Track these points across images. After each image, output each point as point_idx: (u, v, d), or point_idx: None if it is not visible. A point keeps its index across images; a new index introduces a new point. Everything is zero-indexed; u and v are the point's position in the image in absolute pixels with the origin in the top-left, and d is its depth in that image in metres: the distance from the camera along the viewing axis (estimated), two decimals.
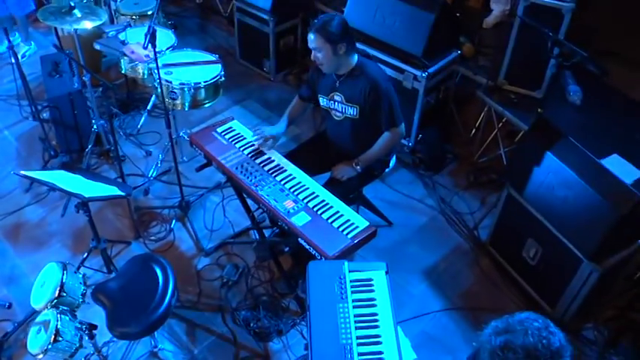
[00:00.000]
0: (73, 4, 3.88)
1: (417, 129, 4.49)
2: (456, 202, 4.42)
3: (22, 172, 3.51)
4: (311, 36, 3.33)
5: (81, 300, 3.21)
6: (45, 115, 4.63)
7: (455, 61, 4.49)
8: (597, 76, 3.84)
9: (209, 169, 3.81)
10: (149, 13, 4.93)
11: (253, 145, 3.57)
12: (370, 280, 2.79)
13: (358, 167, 3.54)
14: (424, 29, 4.09)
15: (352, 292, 2.70)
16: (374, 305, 2.69)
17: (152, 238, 4.14)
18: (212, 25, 6.37)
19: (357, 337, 2.54)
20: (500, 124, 4.46)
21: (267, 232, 3.94)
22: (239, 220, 4.24)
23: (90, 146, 4.52)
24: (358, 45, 3.55)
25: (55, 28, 4.94)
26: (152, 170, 4.52)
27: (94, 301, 3.12)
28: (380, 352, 2.52)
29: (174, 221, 4.21)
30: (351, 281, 2.74)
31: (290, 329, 3.59)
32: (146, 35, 3.26)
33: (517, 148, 3.80)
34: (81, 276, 3.26)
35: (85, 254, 3.84)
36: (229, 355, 3.48)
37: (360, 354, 2.48)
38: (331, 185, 3.44)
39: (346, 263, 2.81)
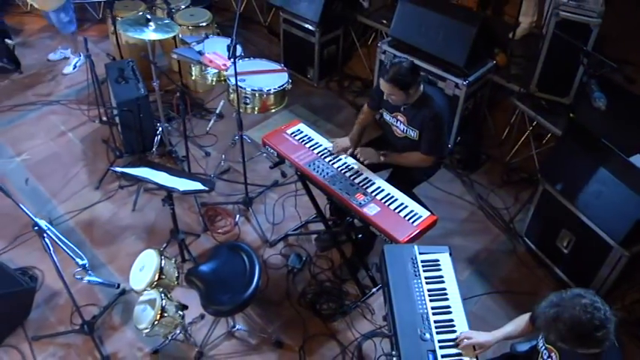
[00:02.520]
0: (149, 17, 4.40)
1: (456, 132, 5.05)
2: (492, 198, 4.98)
3: (118, 169, 4.04)
4: (384, 84, 3.74)
5: (175, 282, 3.72)
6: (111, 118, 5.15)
7: (490, 70, 5.05)
8: (620, 84, 4.41)
9: (266, 169, 4.26)
10: (203, 24, 5.48)
11: (320, 145, 4.09)
12: (437, 260, 3.33)
13: (382, 158, 3.97)
14: (466, 42, 4.65)
15: (424, 271, 3.24)
16: (443, 282, 3.23)
17: (219, 231, 4.65)
18: (253, 35, 6.91)
19: (432, 308, 3.08)
20: (531, 127, 5.01)
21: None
22: (298, 214, 4.75)
23: (155, 147, 5.04)
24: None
25: (117, 39, 5.46)
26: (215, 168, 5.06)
27: (187, 283, 3.61)
28: (451, 320, 3.05)
29: (238, 216, 4.72)
30: (421, 262, 3.28)
31: (352, 310, 4.11)
32: (229, 47, 3.77)
33: (553, 148, 4.34)
34: (174, 261, 3.77)
35: (165, 244, 4.36)
36: (299, 334, 3.98)
37: (435, 322, 3.02)
38: (392, 180, 3.97)
39: (416, 246, 3.34)
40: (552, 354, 2.68)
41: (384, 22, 5.65)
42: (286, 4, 5.77)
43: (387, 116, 4.09)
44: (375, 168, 4.00)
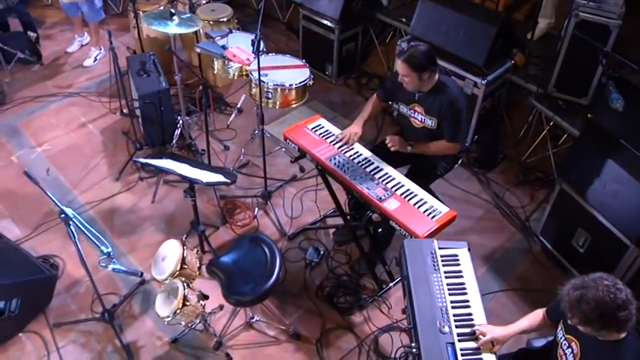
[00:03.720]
0: (173, 12, 4.48)
1: (474, 131, 5.11)
2: (508, 197, 5.03)
3: (142, 159, 4.11)
4: (399, 63, 3.80)
5: (197, 273, 3.78)
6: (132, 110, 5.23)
7: (509, 70, 5.10)
8: (638, 86, 4.46)
9: (285, 164, 4.29)
10: (223, 19, 5.57)
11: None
12: (456, 255, 3.38)
13: (409, 148, 4.02)
14: (486, 41, 4.72)
15: (443, 265, 3.30)
16: (461, 276, 3.27)
17: (238, 223, 4.72)
18: (271, 31, 6.97)
19: (451, 302, 3.13)
20: (548, 127, 5.06)
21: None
22: (316, 209, 4.80)
23: (175, 140, 5.12)
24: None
25: (138, 32, 5.54)
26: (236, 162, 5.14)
27: (208, 273, 3.69)
28: (470, 314, 3.10)
29: (257, 209, 4.79)
30: (441, 256, 3.33)
31: (369, 304, 4.17)
32: (253, 42, 3.85)
33: (570, 148, 4.39)
34: (196, 252, 3.84)
35: (185, 235, 4.43)
36: (316, 326, 4.05)
37: (455, 315, 3.07)
38: (411, 175, 4.03)
39: (435, 241, 3.39)
40: (573, 344, 2.73)
41: (403, 20, 5.72)
42: (306, 0, 5.84)
43: (403, 109, 4.13)
44: (394, 164, 4.06)
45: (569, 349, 2.76)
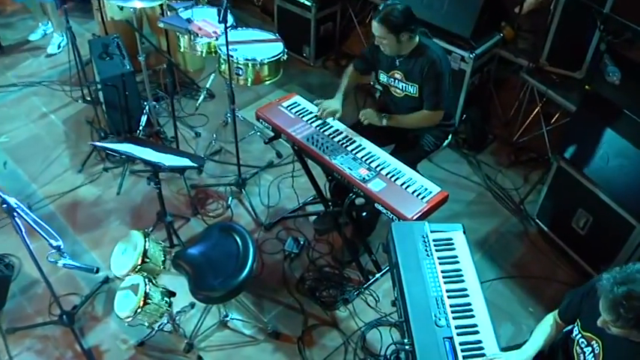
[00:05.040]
0: None
1: (461, 109, 4.68)
2: (500, 179, 4.62)
3: (98, 143, 3.63)
4: (375, 25, 3.43)
5: (162, 267, 3.32)
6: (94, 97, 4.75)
7: (498, 43, 4.67)
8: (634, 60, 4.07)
9: (260, 149, 3.87)
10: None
11: (319, 118, 3.70)
12: (450, 239, 2.96)
13: (384, 120, 3.63)
14: (473, 12, 4.28)
15: (436, 250, 2.86)
16: (457, 262, 2.85)
17: (210, 214, 4.26)
18: (245, 14, 6.48)
19: (447, 291, 2.69)
20: (541, 104, 4.64)
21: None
22: (294, 196, 4.37)
23: (141, 127, 4.63)
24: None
25: (101, 14, 5.05)
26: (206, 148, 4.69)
27: (174, 267, 3.24)
28: (468, 304, 2.67)
29: (230, 198, 4.33)
30: (433, 240, 2.89)
31: (355, 297, 3.72)
32: (219, 10, 3.38)
33: (567, 123, 3.98)
34: (161, 244, 3.37)
35: (151, 228, 3.96)
36: (298, 324, 3.61)
37: (452, 305, 2.63)
38: (397, 154, 3.58)
39: (427, 224, 2.96)
40: (593, 343, 2.29)
41: None
42: None
43: (383, 77, 3.74)
44: (378, 142, 3.60)
45: (589, 348, 2.31)
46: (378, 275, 3.83)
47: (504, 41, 4.74)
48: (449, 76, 3.61)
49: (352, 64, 3.91)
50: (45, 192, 4.41)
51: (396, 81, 3.67)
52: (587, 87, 3.97)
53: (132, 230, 3.35)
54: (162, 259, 3.32)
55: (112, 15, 5.13)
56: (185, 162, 3.52)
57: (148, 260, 3.20)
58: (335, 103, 3.74)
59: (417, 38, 3.54)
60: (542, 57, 4.46)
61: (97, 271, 3.10)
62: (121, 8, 4.73)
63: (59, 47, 5.80)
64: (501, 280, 3.89)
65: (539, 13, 4.97)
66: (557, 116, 4.72)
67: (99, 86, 4.59)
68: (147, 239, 3.24)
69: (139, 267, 3.18)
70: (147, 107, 4.63)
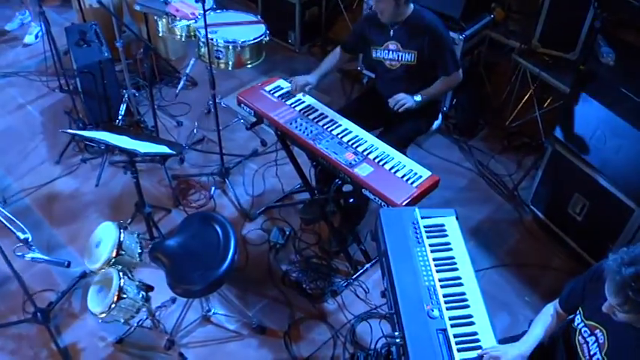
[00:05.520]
0: None
1: (452, 94, 4.46)
2: (493, 165, 4.41)
3: (70, 130, 3.40)
4: None
5: (138, 259, 3.11)
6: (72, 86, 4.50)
7: (488, 25, 4.47)
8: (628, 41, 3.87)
9: (244, 138, 3.65)
10: None
11: (303, 102, 3.49)
12: (442, 225, 2.76)
13: (418, 97, 3.47)
14: None
15: (427, 237, 2.65)
16: (450, 249, 2.65)
17: (192, 205, 4.04)
18: (228, 1, 6.20)
19: (439, 280, 2.49)
20: (534, 87, 4.44)
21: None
22: (280, 186, 4.17)
23: (121, 116, 4.39)
24: None
25: (79, 2, 4.79)
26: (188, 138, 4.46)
27: (151, 260, 3.02)
28: (463, 294, 2.47)
29: (213, 188, 4.10)
30: (424, 227, 2.69)
31: (344, 289, 3.52)
32: None
33: (563, 104, 3.78)
34: (137, 235, 3.15)
35: (129, 220, 3.74)
36: (284, 317, 3.40)
37: (445, 295, 2.43)
38: (384, 137, 3.38)
39: (417, 210, 2.75)
40: (597, 332, 2.09)
41: None
42: None
43: (376, 52, 3.57)
44: (365, 126, 3.39)
45: (592, 337, 2.12)
46: (367, 266, 3.62)
47: (495, 22, 4.54)
48: (450, 38, 3.53)
49: (340, 45, 3.74)
50: (21, 185, 4.18)
51: (391, 52, 3.51)
52: (581, 67, 3.79)
53: (106, 221, 3.13)
54: (139, 251, 3.09)
55: (91, 2, 4.89)
56: (162, 149, 3.29)
57: (123, 253, 2.97)
58: (308, 77, 3.58)
59: (412, 5, 3.41)
60: (534, 38, 4.25)
61: (69, 265, 2.89)
62: None
63: (37, 37, 5.53)
64: (496, 269, 3.69)
65: None
66: (550, 100, 4.52)
67: (77, 75, 4.34)
68: (122, 231, 3.02)
69: (113, 260, 2.95)
70: (126, 96, 4.39)
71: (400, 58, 3.49)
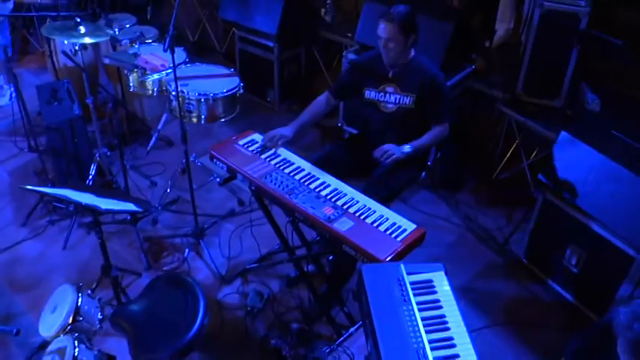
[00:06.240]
0: (79, 21, 3.60)
1: (436, 147, 4.22)
2: (481, 219, 4.15)
3: (29, 187, 3.12)
4: (387, 26, 3.16)
5: (98, 326, 2.77)
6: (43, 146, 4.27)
7: (470, 75, 4.32)
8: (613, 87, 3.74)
9: (221, 198, 3.39)
10: (148, 41, 4.60)
11: (279, 155, 3.25)
12: (431, 281, 2.47)
13: (407, 147, 3.23)
14: (443, 40, 3.92)
15: (415, 295, 2.37)
16: (440, 307, 2.35)
17: (164, 268, 3.72)
18: (205, 58, 6.06)
19: (429, 341, 2.19)
20: (520, 137, 4.25)
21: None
22: (257, 247, 3.84)
23: (91, 177, 4.12)
24: None
25: (52, 61, 4.61)
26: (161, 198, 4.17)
27: (113, 326, 2.69)
28: (456, 356, 2.16)
29: (187, 250, 3.80)
30: (411, 283, 2.41)
31: (327, 356, 3.17)
32: (166, 37, 2.95)
33: (553, 150, 3.57)
34: (97, 300, 2.83)
35: (95, 284, 3.41)
36: None
37: (436, 358, 2.12)
38: (368, 192, 3.11)
39: (402, 265, 2.47)
40: None
41: (349, 35, 4.83)
42: (241, 18, 5.00)
43: (371, 94, 3.39)
44: (346, 180, 3.14)
45: None
46: (351, 329, 3.28)
47: (476, 73, 4.39)
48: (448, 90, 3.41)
49: (326, 92, 3.54)
50: None
51: (389, 95, 3.34)
52: (568, 112, 3.62)
53: (64, 284, 2.81)
54: (100, 317, 2.77)
55: (65, 61, 4.69)
56: (128, 206, 3.01)
57: (80, 319, 2.65)
58: (284, 129, 3.36)
59: (413, 50, 3.32)
60: (518, 87, 4.10)
61: (18, 333, 2.58)
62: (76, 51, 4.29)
63: (10, 98, 5.32)
64: (491, 329, 3.37)
65: (510, 46, 4.68)
66: (537, 151, 4.31)
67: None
68: (80, 294, 2.70)
69: (69, 327, 2.63)
70: (97, 155, 4.12)
71: (398, 101, 3.32)
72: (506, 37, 4.80)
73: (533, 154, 4.34)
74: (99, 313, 2.77)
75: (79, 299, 2.68)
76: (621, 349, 1.65)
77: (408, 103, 3.31)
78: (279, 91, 5.21)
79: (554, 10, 3.79)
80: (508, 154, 4.39)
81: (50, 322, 2.68)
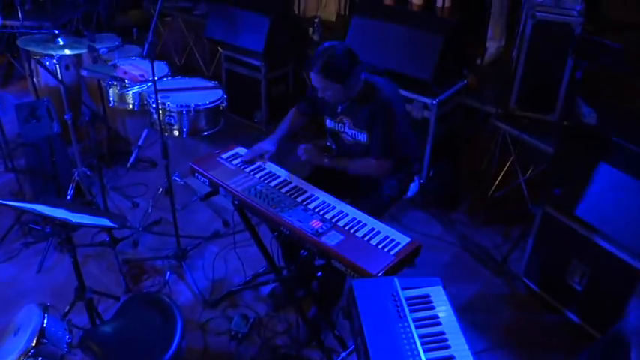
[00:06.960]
0: (57, 33, 3.41)
1: (428, 164, 4.04)
2: (477, 238, 3.93)
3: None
4: (316, 77, 2.82)
5: (66, 350, 2.49)
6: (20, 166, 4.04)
7: (462, 90, 4.14)
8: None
9: (206, 219, 3.27)
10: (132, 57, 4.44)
11: (264, 168, 3.03)
12: (428, 295, 2.25)
13: (326, 160, 3.02)
14: (433, 52, 3.73)
15: (411, 311, 2.13)
16: (439, 323, 2.12)
17: (145, 291, 3.45)
18: None
19: None
20: (515, 152, 4.06)
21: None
22: (242, 269, 3.55)
23: (69, 197, 3.88)
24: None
25: (32, 81, 4.41)
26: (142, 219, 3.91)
27: (82, 350, 2.41)
28: None
29: (168, 272, 3.54)
30: (406, 299, 2.18)
31: None
32: (146, 44, 2.76)
33: (551, 161, 3.37)
34: (66, 321, 2.56)
35: (67, 307, 3.13)
36: None
37: None
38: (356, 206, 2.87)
39: (396, 280, 2.24)
40: None
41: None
42: (227, 37, 4.82)
43: (331, 124, 3.14)
44: (334, 194, 2.91)
45: None
46: (343, 354, 3.01)
47: (468, 88, 4.22)
48: (404, 118, 3.00)
49: (296, 106, 3.31)
50: None
51: (345, 126, 3.06)
52: (565, 123, 3.43)
53: (30, 304, 2.55)
54: (68, 340, 2.50)
55: (47, 80, 4.51)
56: (102, 221, 2.77)
57: (45, 342, 2.37)
58: (265, 145, 3.16)
59: (363, 76, 2.92)
60: (511, 102, 3.93)
61: None
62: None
63: None
64: (491, 351, 3.13)
65: (502, 62, 4.55)
66: (532, 169, 4.12)
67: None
68: (46, 315, 2.44)
69: (32, 350, 2.36)
70: (76, 175, 3.90)
71: (354, 136, 3.04)
72: (497, 54, 4.69)
73: (530, 171, 4.14)
74: (67, 336, 2.50)
75: (45, 320, 2.42)
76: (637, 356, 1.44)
77: (362, 140, 3.01)
78: (267, 112, 5.00)
79: (547, 21, 3.65)
80: (503, 171, 4.19)
81: (12, 346, 2.41)
